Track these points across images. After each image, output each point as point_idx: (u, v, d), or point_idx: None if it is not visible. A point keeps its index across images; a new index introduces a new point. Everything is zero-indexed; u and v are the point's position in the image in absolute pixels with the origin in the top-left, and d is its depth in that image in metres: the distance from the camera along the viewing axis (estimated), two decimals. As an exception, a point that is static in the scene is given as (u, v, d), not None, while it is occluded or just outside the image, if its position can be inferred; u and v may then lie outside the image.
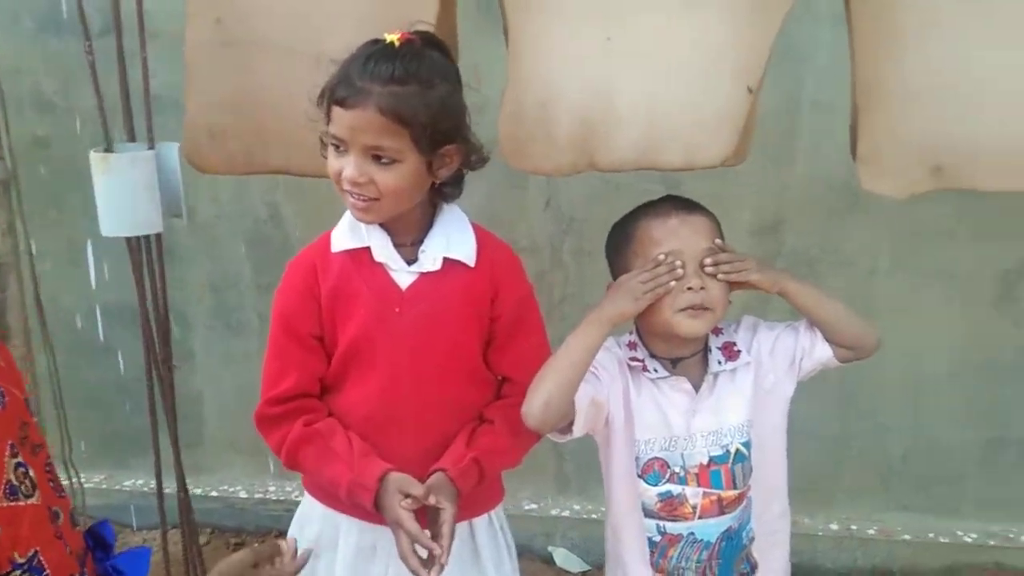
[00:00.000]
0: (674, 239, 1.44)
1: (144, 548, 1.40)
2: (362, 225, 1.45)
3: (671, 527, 1.49)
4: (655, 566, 1.51)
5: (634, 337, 1.54)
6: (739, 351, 1.51)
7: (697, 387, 1.49)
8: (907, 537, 2.54)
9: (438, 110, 1.33)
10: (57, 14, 2.45)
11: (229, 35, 1.65)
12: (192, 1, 1.67)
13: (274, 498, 2.78)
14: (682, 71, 1.54)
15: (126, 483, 2.86)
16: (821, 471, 2.52)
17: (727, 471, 1.48)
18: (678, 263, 1.42)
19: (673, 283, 1.41)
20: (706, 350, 1.52)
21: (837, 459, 2.55)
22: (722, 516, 1.48)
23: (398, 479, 1.42)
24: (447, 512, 1.40)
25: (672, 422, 1.48)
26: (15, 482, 0.99)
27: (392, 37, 1.35)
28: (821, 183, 2.30)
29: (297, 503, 1.67)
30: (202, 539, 2.71)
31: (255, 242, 2.62)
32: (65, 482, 2.23)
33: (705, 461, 1.47)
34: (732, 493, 1.48)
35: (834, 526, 2.58)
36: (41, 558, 1.01)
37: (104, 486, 2.86)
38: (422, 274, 1.47)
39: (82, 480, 2.34)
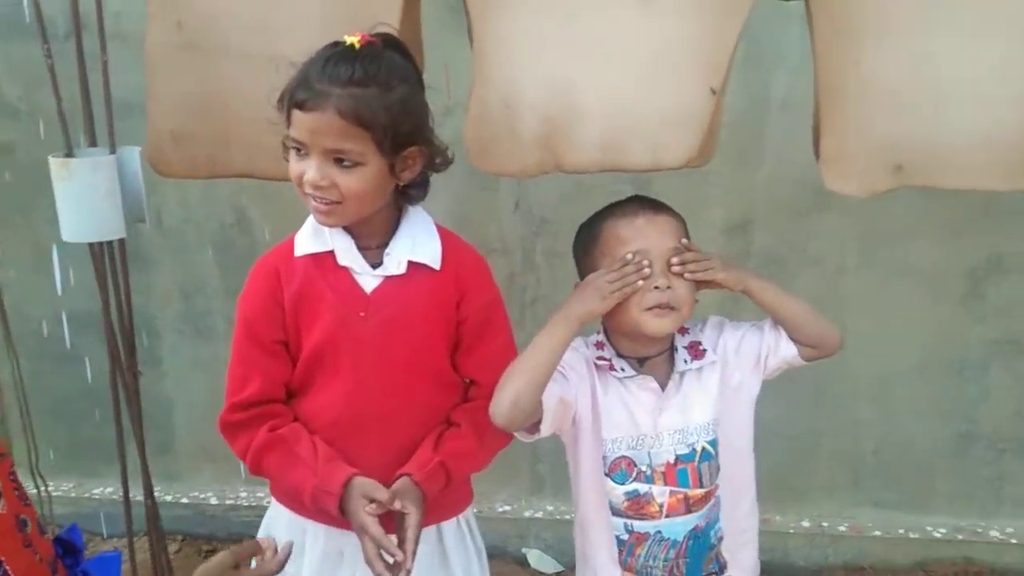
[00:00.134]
0: (641, 239, 1.45)
1: (115, 552, 1.38)
2: (325, 228, 1.45)
3: (638, 526, 1.49)
4: (623, 565, 1.52)
5: (601, 337, 1.55)
6: (705, 350, 1.52)
7: (664, 386, 1.50)
8: (878, 533, 2.56)
9: (399, 112, 1.33)
10: (20, 18, 2.42)
11: (190, 38, 1.63)
12: (152, 3, 1.65)
13: (245, 504, 2.76)
14: (644, 71, 1.54)
15: (95, 491, 2.83)
16: (792, 468, 2.53)
17: (693, 470, 1.48)
18: (645, 262, 1.42)
19: (640, 282, 1.42)
20: (672, 349, 1.53)
21: (808, 456, 2.56)
22: (689, 515, 1.48)
23: (363, 484, 1.41)
24: (412, 517, 1.39)
25: (639, 421, 1.49)
26: None
27: (352, 39, 1.34)
28: (790, 182, 2.31)
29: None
30: (173, 547, 2.69)
31: (223, 246, 2.60)
32: (32, 491, 2.21)
33: (672, 460, 1.48)
34: (699, 492, 1.49)
35: (806, 523, 2.59)
36: (7, 567, 1.00)
37: (73, 494, 2.83)
38: (387, 278, 1.46)
39: (50, 489, 2.31)
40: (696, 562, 1.51)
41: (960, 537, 2.53)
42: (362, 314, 1.45)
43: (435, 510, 1.49)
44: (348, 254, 1.45)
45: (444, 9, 1.85)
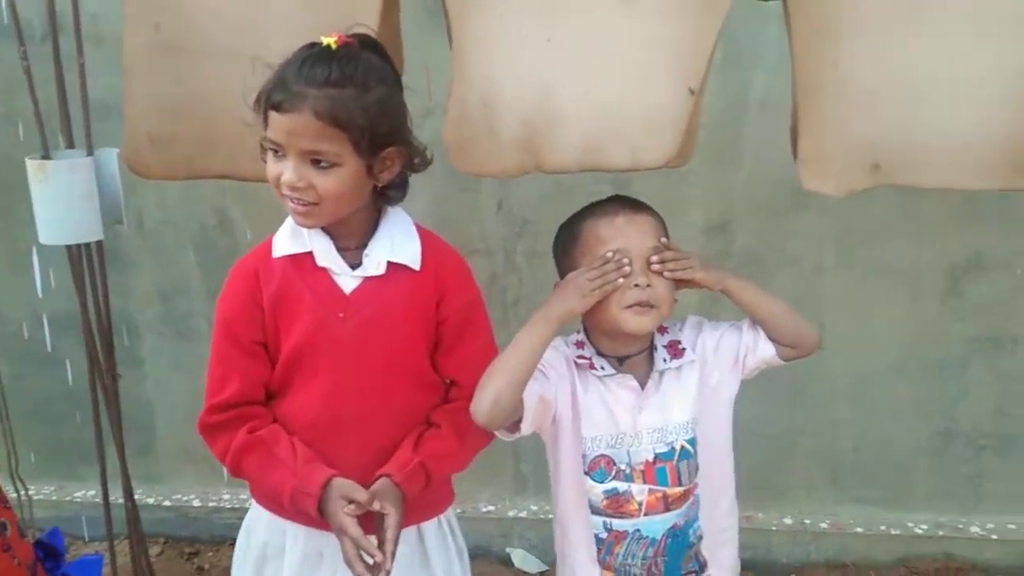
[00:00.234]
0: (621, 238, 1.45)
1: (96, 555, 1.38)
2: (304, 229, 1.44)
3: (617, 524, 1.50)
4: (602, 563, 1.52)
5: (581, 335, 1.55)
6: (684, 349, 1.53)
7: (643, 384, 1.50)
8: (859, 530, 2.58)
9: (376, 113, 1.33)
10: (-4, 19, 2.41)
11: (168, 40, 1.63)
12: (130, 5, 1.64)
13: (228, 506, 2.74)
14: (623, 71, 1.54)
15: (76, 494, 2.81)
16: (773, 467, 2.54)
17: (672, 468, 1.49)
18: (625, 260, 1.43)
19: (621, 280, 1.42)
20: (652, 348, 1.53)
21: (788, 455, 2.57)
22: (667, 513, 1.49)
23: (341, 485, 1.41)
24: (391, 517, 1.39)
25: (619, 419, 1.49)
26: None
27: (329, 40, 1.34)
28: (768, 182, 2.32)
29: (251, 511, 1.66)
30: (155, 549, 2.67)
31: (204, 247, 2.58)
32: (13, 495, 2.20)
33: (651, 458, 1.48)
34: (677, 490, 1.49)
35: (788, 520, 2.60)
36: None
37: (54, 497, 2.80)
38: (366, 278, 1.46)
39: (31, 492, 2.30)
40: (675, 560, 1.51)
41: (941, 533, 2.55)
42: (341, 315, 1.45)
43: (415, 511, 1.49)
44: (327, 255, 1.45)
45: (423, 11, 1.85)
